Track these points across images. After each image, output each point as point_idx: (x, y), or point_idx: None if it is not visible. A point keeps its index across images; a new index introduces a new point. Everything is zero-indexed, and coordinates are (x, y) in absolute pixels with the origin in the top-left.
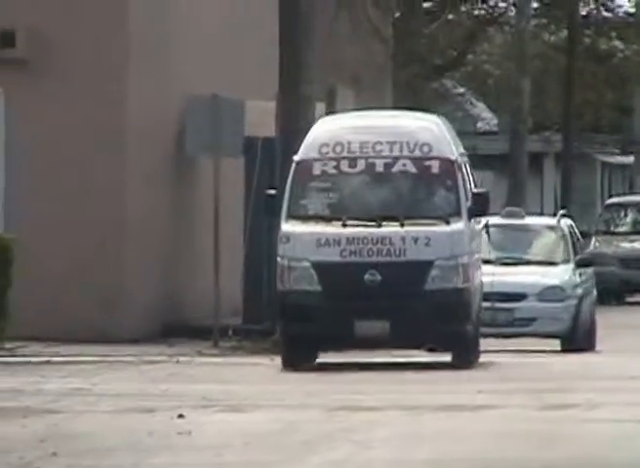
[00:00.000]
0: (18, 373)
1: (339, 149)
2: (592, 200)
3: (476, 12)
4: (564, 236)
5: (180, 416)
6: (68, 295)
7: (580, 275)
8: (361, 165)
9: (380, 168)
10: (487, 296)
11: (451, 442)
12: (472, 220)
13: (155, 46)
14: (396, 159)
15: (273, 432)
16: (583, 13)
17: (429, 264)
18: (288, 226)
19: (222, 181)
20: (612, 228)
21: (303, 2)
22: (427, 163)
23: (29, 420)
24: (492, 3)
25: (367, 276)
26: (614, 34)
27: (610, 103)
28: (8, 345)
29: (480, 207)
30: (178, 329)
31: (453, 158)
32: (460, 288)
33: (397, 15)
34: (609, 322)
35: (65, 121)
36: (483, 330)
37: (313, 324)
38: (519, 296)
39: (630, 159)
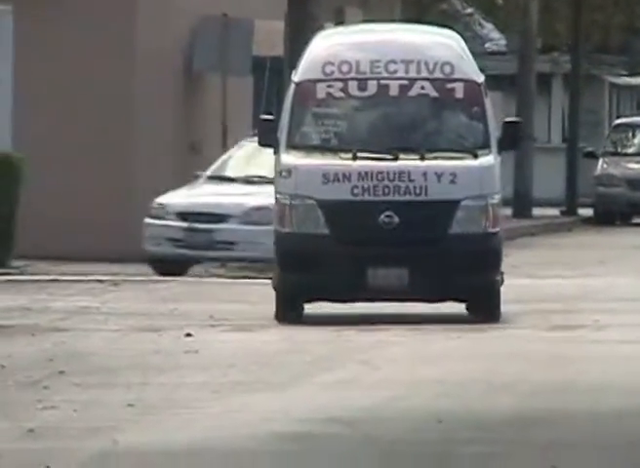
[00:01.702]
0: (25, 292)
1: (345, 69)
2: (600, 121)
3: None
4: None
5: (188, 335)
6: (78, 215)
7: None
8: (372, 87)
9: (394, 91)
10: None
11: (458, 362)
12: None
13: None
14: (413, 81)
15: (280, 352)
16: None
17: (455, 205)
18: (289, 158)
19: (230, 102)
20: (619, 149)
21: None
22: (450, 85)
23: (37, 338)
24: None
25: (382, 218)
26: None
27: (619, 24)
28: (16, 263)
29: (511, 138)
30: None
31: (479, 80)
32: (489, 232)
33: None
34: (615, 243)
35: (75, 39)
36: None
37: (319, 272)
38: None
39: (639, 80)
